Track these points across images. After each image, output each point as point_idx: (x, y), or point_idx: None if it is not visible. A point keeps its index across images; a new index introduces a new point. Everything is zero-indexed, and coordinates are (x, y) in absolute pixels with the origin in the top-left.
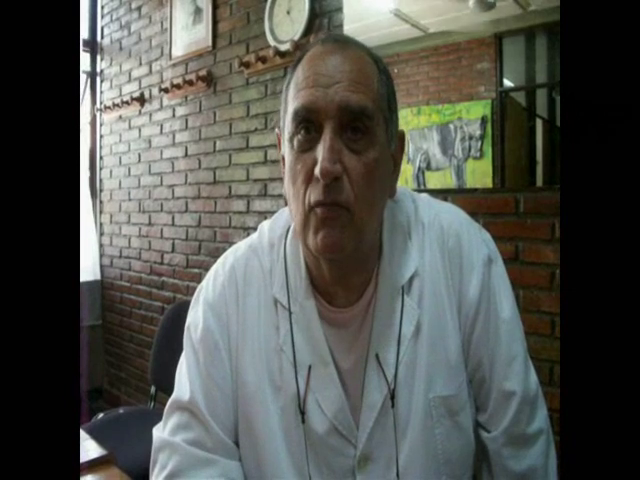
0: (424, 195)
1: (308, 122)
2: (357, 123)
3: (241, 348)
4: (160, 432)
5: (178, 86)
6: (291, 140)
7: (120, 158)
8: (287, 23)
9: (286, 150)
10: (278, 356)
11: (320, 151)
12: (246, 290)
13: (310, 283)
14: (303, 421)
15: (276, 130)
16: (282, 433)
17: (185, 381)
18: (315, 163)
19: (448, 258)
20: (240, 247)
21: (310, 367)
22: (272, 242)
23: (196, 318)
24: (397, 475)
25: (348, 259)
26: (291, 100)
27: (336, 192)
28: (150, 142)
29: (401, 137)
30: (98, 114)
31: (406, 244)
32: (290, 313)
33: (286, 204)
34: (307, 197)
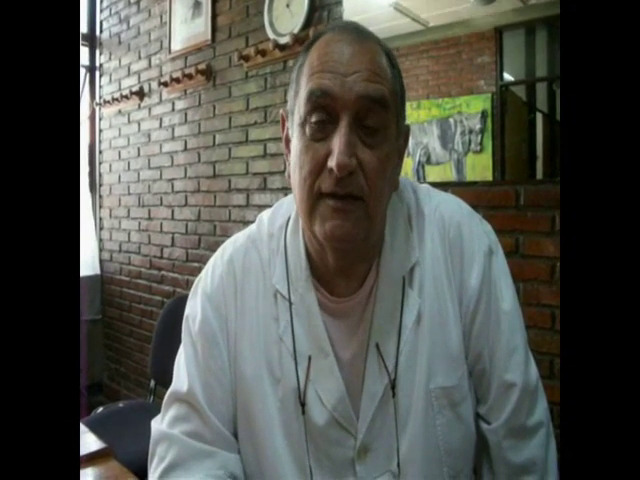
0: (424, 185)
1: (323, 110)
2: (372, 116)
3: (239, 339)
4: (158, 424)
5: (177, 80)
6: (302, 126)
7: (119, 152)
8: (286, 16)
9: (295, 135)
10: (277, 347)
11: (336, 144)
12: (244, 281)
13: (310, 273)
14: (303, 412)
15: (281, 111)
16: (281, 424)
17: (183, 373)
18: (328, 154)
19: (449, 249)
20: (239, 238)
21: (310, 358)
22: (271, 232)
23: (194, 309)
24: (398, 465)
25: (355, 248)
26: (305, 81)
27: (350, 184)
28: (149, 136)
29: (406, 132)
30: (97, 108)
31: (407, 234)
32: (290, 304)
33: (285, 196)
34: (316, 186)
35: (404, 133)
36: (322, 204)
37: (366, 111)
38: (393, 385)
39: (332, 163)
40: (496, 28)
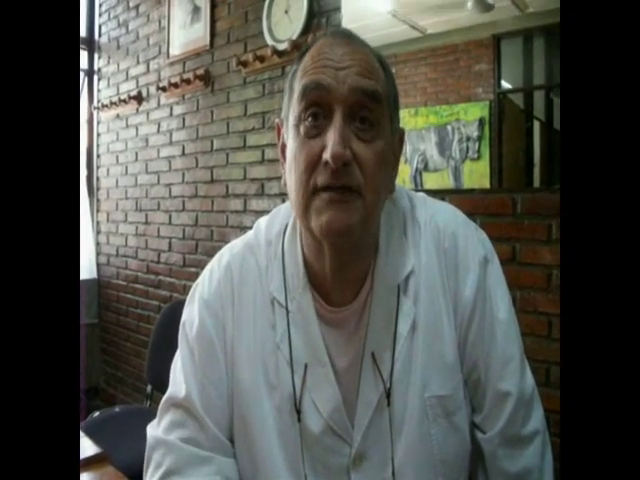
0: (421, 194)
1: (317, 106)
2: (366, 112)
3: (236, 346)
4: (154, 430)
5: (175, 85)
6: (297, 126)
7: (117, 157)
8: (285, 22)
9: (290, 137)
10: (274, 354)
11: (330, 137)
12: (241, 288)
13: (308, 281)
14: (299, 420)
15: (276, 120)
16: (277, 431)
17: (180, 378)
18: (322, 149)
19: (444, 258)
20: (236, 244)
21: (306, 366)
22: (269, 239)
23: (191, 315)
24: (393, 474)
25: (350, 245)
26: (298, 83)
27: (345, 176)
28: (147, 141)
29: (401, 135)
30: (95, 112)
31: (402, 243)
32: (287, 311)
33: (283, 202)
34: (312, 181)
35: (399, 135)
36: (317, 198)
37: (359, 105)
38: (388, 394)
39: (327, 155)
40: (494, 36)
